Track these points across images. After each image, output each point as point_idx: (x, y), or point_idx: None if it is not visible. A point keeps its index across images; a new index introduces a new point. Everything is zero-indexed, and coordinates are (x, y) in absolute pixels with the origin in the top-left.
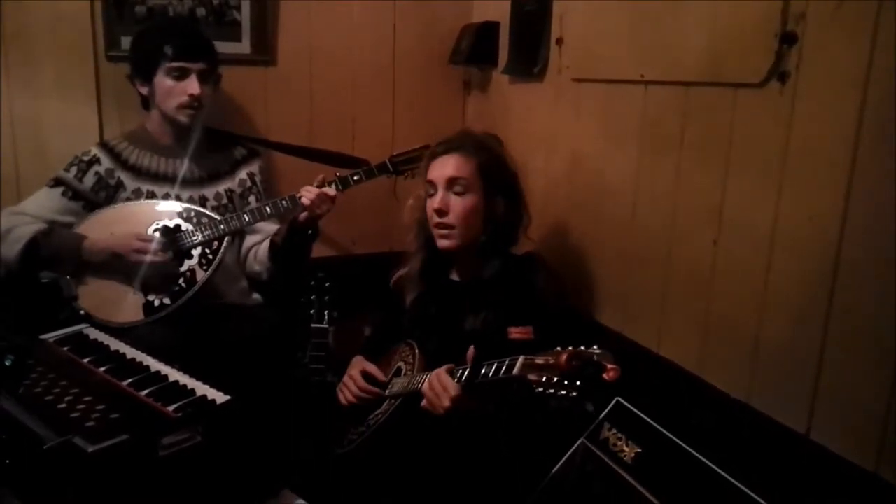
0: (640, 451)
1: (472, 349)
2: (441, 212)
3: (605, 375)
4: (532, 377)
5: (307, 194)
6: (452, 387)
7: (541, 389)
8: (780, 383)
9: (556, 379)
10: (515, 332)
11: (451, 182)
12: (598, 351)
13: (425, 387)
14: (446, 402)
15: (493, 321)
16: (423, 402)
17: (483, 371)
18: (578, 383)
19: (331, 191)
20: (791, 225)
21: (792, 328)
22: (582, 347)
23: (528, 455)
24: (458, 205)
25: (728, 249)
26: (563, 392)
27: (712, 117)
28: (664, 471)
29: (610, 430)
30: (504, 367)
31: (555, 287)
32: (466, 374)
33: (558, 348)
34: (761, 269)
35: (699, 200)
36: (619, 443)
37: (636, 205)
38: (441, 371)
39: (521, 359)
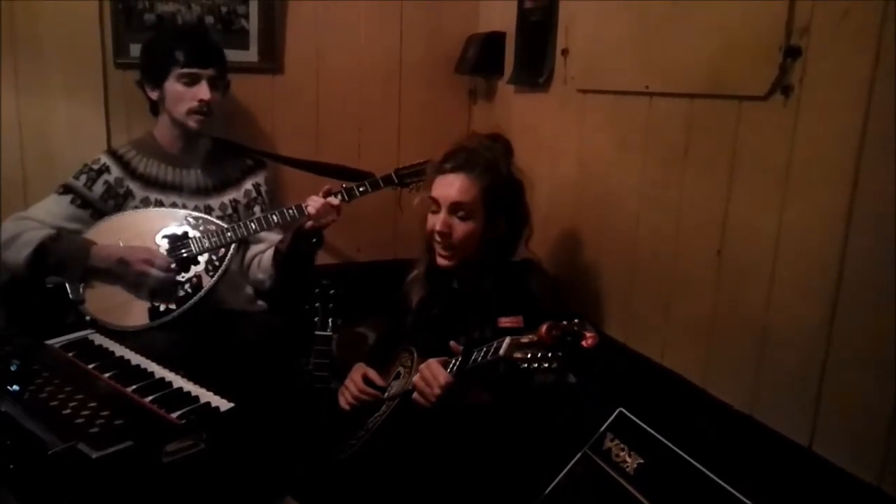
0: (642, 461)
1: (453, 343)
2: (443, 234)
3: (583, 343)
4: (518, 355)
5: (313, 204)
6: (442, 374)
7: (525, 366)
8: (783, 395)
9: (539, 353)
10: (505, 322)
11: (454, 206)
12: (576, 321)
13: (416, 378)
14: (437, 390)
15: (490, 330)
16: (415, 394)
17: (473, 357)
18: (560, 354)
19: (335, 201)
20: (795, 236)
21: (795, 340)
22: (563, 321)
23: (518, 436)
24: (459, 229)
25: (732, 260)
26: (546, 365)
27: (716, 129)
28: (666, 482)
29: (612, 440)
30: (492, 350)
31: (551, 292)
32: (458, 362)
33: (540, 325)
34: (765, 280)
35: (703, 211)
36: (622, 453)
37: (640, 215)
38: (431, 361)
39: (507, 339)
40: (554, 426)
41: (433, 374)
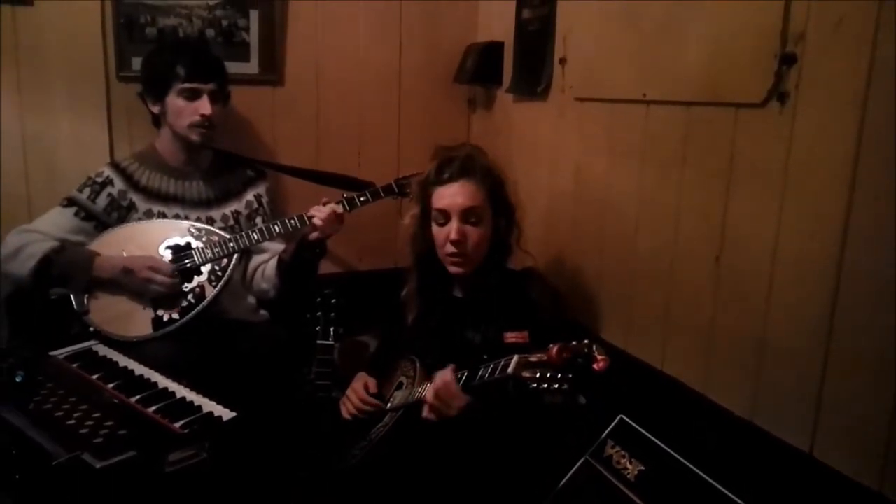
0: (643, 468)
1: (453, 366)
2: (459, 242)
3: (594, 366)
4: (526, 374)
5: (319, 214)
6: (461, 396)
7: (534, 385)
8: (784, 401)
9: (549, 374)
10: (511, 337)
11: (466, 213)
12: (587, 343)
13: (429, 395)
14: (453, 412)
15: (492, 334)
16: (426, 412)
17: (480, 373)
18: (570, 376)
19: (339, 208)
20: (792, 242)
21: (794, 345)
22: (573, 342)
23: (526, 455)
24: (473, 235)
25: (730, 266)
26: (556, 386)
27: (713, 136)
28: (667, 488)
29: (613, 447)
30: (499, 368)
31: (551, 300)
32: (464, 377)
33: (550, 345)
34: (763, 286)
35: (701, 218)
36: (623, 460)
37: (639, 222)
38: (449, 380)
39: (515, 358)
40: (562, 443)
41: (450, 393)
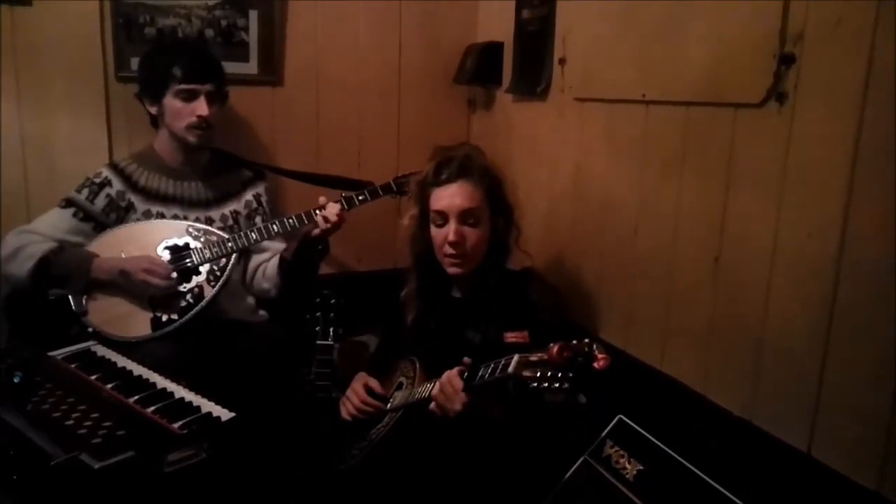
0: (642, 468)
1: (467, 359)
2: (457, 244)
3: (595, 364)
4: (526, 374)
5: (328, 215)
6: (465, 394)
7: (535, 384)
8: (782, 400)
9: (549, 373)
10: (511, 337)
11: (464, 214)
12: (587, 342)
13: (436, 390)
14: (458, 406)
15: (492, 334)
16: (433, 405)
17: (480, 373)
18: (571, 375)
19: (339, 207)
20: (791, 242)
21: (793, 345)
22: (574, 341)
23: (526, 454)
24: (472, 236)
25: (729, 266)
26: (557, 385)
27: (713, 136)
28: (666, 488)
29: (612, 447)
30: (500, 367)
31: (550, 300)
32: (465, 376)
33: (550, 344)
34: (762, 286)
35: (701, 218)
36: (622, 460)
37: (638, 222)
38: (454, 377)
39: (515, 357)
40: (563, 442)
41: (455, 388)
